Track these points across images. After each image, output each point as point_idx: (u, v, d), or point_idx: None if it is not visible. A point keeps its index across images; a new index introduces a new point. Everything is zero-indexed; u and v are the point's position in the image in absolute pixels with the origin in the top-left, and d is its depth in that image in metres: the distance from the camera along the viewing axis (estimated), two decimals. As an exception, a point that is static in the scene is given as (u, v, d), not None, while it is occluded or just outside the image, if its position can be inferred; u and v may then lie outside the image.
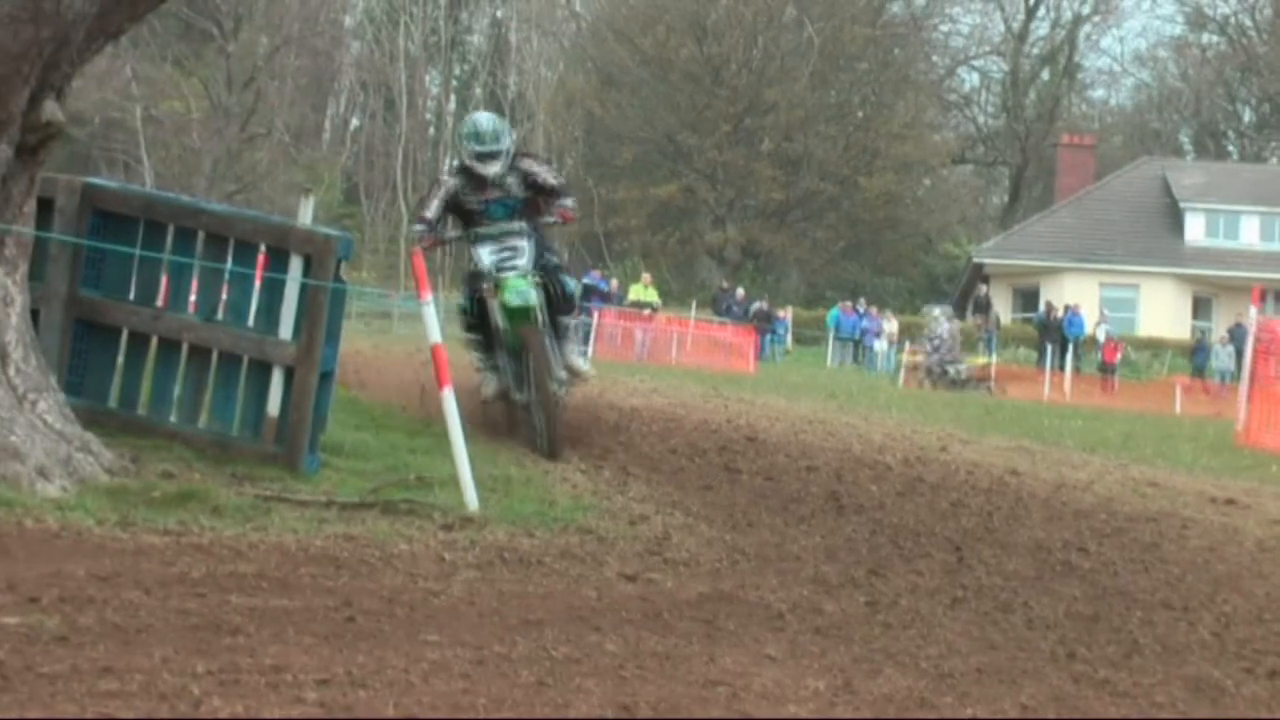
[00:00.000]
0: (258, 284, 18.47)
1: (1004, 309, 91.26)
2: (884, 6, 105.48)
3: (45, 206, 18.11)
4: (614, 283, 72.08)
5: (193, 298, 18.75)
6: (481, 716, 9.81)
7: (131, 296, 18.77)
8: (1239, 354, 53.89)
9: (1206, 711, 11.87)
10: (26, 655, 10.11)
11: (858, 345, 78.23)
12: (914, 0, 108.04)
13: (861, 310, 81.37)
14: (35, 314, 17.59)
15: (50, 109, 17.22)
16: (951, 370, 68.44)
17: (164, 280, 18.78)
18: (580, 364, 20.56)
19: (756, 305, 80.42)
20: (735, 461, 21.61)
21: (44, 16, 16.58)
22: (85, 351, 18.63)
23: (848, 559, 16.16)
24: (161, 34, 55.30)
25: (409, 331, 24.79)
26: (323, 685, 10.07)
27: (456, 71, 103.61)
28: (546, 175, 20.51)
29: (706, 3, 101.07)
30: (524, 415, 19.58)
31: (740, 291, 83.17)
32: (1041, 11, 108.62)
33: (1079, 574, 16.50)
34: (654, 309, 69.83)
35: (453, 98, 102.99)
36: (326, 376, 18.24)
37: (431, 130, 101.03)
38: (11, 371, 16.66)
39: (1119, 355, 75.35)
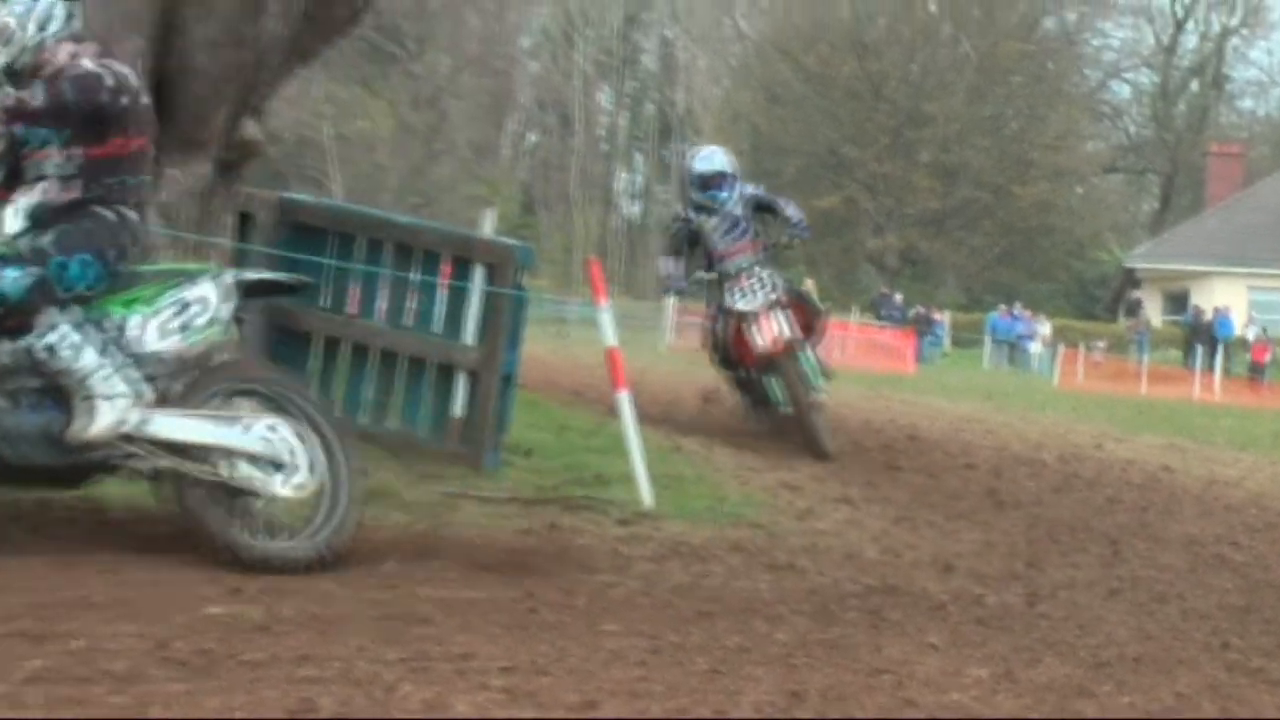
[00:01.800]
0: (443, 292, 18.53)
1: (1154, 312, 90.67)
2: (1038, 22, 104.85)
3: (245, 219, 18.26)
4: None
5: (381, 305, 18.83)
6: (658, 703, 9.83)
7: (324, 304, 18.88)
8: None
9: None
10: (231, 643, 10.19)
11: (1013, 347, 77.83)
12: (1067, 16, 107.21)
13: (1017, 314, 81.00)
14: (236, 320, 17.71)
15: (249, 128, 17.38)
16: None
17: (354, 289, 18.87)
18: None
19: (915, 309, 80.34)
20: (897, 459, 21.59)
21: (243, 41, 16.74)
22: (281, 356, 18.71)
23: (1006, 552, 16.12)
24: (350, 57, 55.67)
25: (585, 336, 24.70)
26: (507, 672, 10.10)
27: (628, 89, 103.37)
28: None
29: (867, 21, 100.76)
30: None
31: (899, 296, 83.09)
32: (1190, 25, 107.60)
33: (1231, 567, 16.44)
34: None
35: (624, 114, 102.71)
36: (508, 379, 18.31)
37: (604, 145, 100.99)
38: (213, 375, 16.80)
39: (1268, 356, 74.79)
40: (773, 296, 19.30)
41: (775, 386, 19.08)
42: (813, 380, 19.39)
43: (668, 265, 20.45)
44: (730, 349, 19.46)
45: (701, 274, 20.60)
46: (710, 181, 19.65)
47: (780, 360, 18.80)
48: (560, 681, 10.09)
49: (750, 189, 20.03)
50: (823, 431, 18.89)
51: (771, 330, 19.17)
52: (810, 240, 19.28)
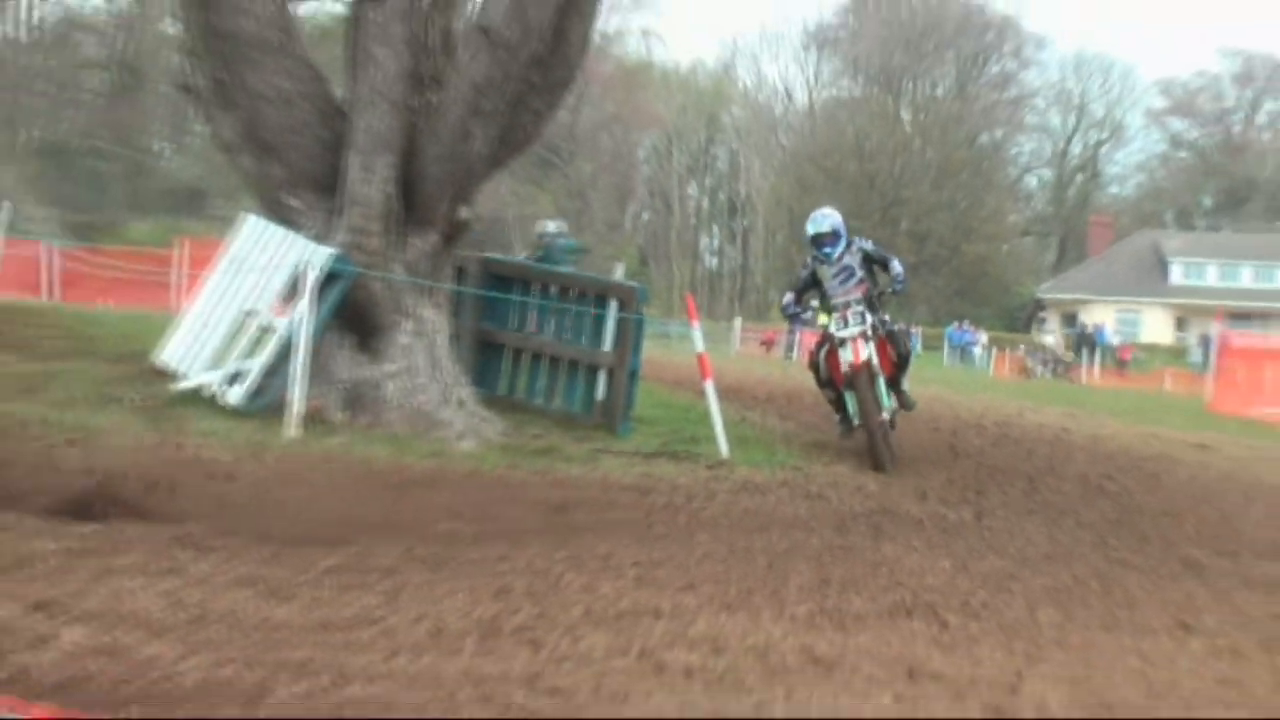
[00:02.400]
0: (590, 318, 18.55)
1: (1055, 327, 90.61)
2: (976, 138, 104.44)
3: (460, 271, 18.32)
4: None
5: (550, 326, 18.91)
6: (734, 586, 9.84)
7: (513, 326, 18.96)
8: (1206, 354, 53.17)
9: (1192, 578, 11.78)
10: (454, 550, 10.23)
11: (963, 351, 77.72)
12: (995, 133, 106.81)
13: (965, 328, 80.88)
14: (455, 338, 17.79)
15: (462, 212, 17.40)
16: (1060, 367, 69.86)
17: (532, 316, 18.98)
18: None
19: (899, 326, 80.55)
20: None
21: (458, 157, 16.80)
22: (485, 361, 18.83)
23: (961, 486, 16.09)
24: (526, 164, 55.85)
25: (682, 346, 24.72)
26: (635, 566, 10.11)
27: (707, 182, 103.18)
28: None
29: (864, 137, 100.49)
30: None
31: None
32: (1076, 139, 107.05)
33: (1108, 494, 16.38)
34: (833, 330, 70.01)
35: (706, 199, 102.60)
36: (633, 374, 18.33)
37: (692, 220, 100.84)
38: (442, 374, 16.86)
39: (1130, 355, 74.65)
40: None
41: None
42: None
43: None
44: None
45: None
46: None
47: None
48: (670, 572, 10.10)
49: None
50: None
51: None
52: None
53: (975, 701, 7.82)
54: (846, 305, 17.81)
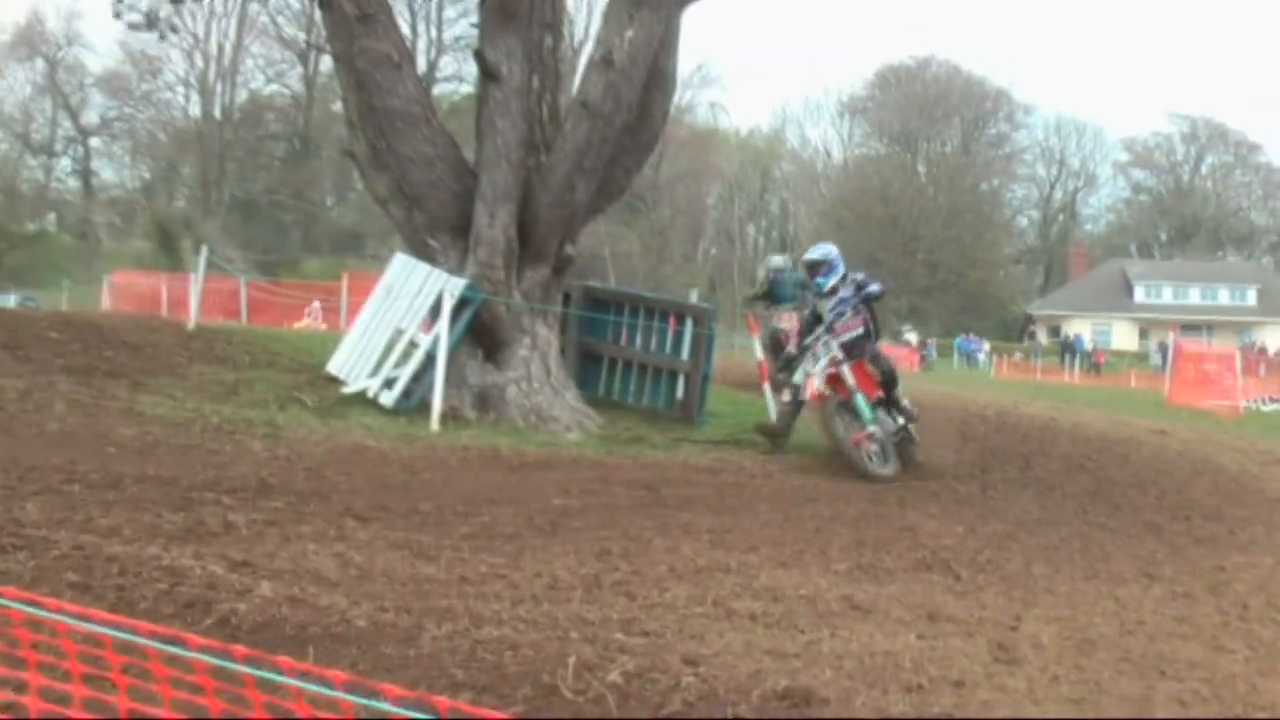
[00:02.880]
0: (671, 332, 18.49)
1: (1043, 337, 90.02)
2: (977, 185, 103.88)
3: (566, 297, 18.31)
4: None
5: (639, 340, 18.83)
6: (789, 547, 9.81)
7: (610, 340, 18.90)
8: (1164, 358, 52.78)
9: (1153, 538, 11.71)
10: (565, 519, 10.23)
11: (969, 357, 77.23)
12: (993, 182, 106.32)
13: (971, 338, 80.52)
14: (563, 351, 17.78)
15: (568, 249, 17.44)
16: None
17: (625, 332, 18.89)
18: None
19: (917, 336, 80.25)
20: (909, 417, 21.48)
21: (565, 204, 16.85)
22: (586, 368, 18.76)
23: (969, 464, 15.96)
24: (618, 209, 56.01)
25: (746, 356, 24.71)
26: (709, 532, 10.10)
27: (763, 224, 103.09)
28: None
29: (887, 186, 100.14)
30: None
31: (908, 331, 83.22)
32: (1058, 186, 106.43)
33: (1088, 470, 16.21)
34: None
35: (762, 238, 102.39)
36: (706, 378, 18.25)
37: (752, 254, 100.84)
38: (553, 379, 16.89)
39: (1103, 359, 73.96)
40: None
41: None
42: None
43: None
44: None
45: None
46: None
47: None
48: (737, 536, 10.08)
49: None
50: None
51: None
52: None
53: (983, 638, 7.77)
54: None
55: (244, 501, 9.66)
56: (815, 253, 15.98)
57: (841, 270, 15.84)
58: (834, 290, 15.64)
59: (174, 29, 21.62)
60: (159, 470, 10.49)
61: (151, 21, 19.43)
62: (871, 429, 14.88)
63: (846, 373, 15.08)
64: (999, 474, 15.47)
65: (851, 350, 15.33)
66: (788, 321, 19.14)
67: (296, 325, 37.14)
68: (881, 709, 5.18)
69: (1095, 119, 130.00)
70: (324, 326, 37.07)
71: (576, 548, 9.24)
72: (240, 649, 3.08)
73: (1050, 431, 20.40)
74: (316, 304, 42.31)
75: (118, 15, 19.32)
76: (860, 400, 15.00)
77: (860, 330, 15.49)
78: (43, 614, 3.33)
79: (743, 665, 6.53)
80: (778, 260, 22.72)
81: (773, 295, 22.18)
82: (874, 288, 15.70)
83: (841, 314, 15.42)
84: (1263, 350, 69.99)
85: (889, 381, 15.58)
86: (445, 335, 15.90)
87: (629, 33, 16.78)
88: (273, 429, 13.60)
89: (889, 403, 15.54)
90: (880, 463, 14.83)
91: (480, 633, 5.94)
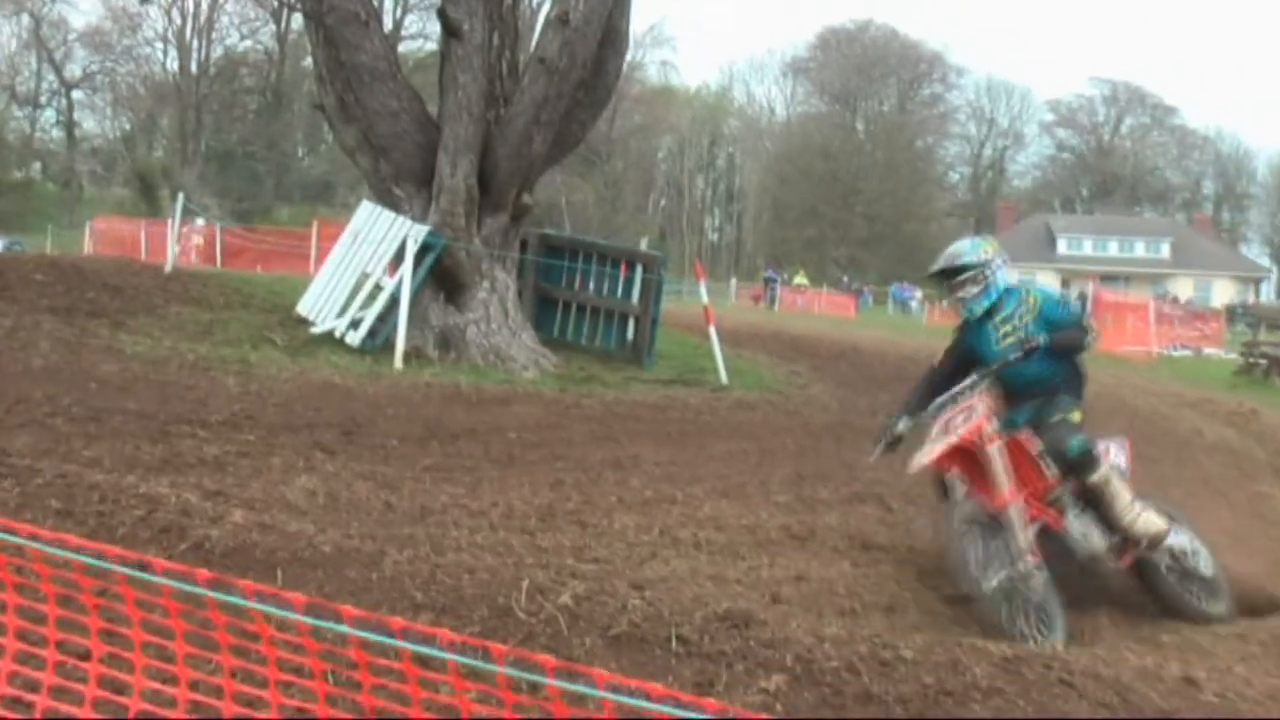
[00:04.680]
0: (623, 277, 18.42)
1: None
2: (912, 143, 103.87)
3: (523, 244, 18.19)
4: (784, 275, 71.26)
5: (592, 285, 18.74)
6: (735, 477, 9.82)
7: (564, 285, 18.82)
8: (1084, 306, 53.11)
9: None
10: (518, 453, 10.23)
11: (904, 304, 77.38)
12: (927, 139, 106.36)
13: (905, 286, 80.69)
14: (520, 294, 17.72)
15: (525, 199, 17.36)
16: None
17: (579, 277, 18.80)
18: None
19: (856, 285, 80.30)
20: (845, 357, 21.46)
21: (522, 155, 16.76)
22: (542, 311, 18.68)
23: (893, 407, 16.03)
24: (573, 161, 55.57)
25: (691, 301, 24.64)
26: (657, 465, 10.14)
27: (710, 177, 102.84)
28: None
29: (828, 143, 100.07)
30: None
31: (846, 279, 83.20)
32: (987, 144, 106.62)
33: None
34: (805, 287, 69.49)
35: (709, 190, 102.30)
36: (655, 321, 18.20)
37: (700, 205, 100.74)
38: (511, 321, 16.84)
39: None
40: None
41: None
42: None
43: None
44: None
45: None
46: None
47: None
48: (683, 469, 10.11)
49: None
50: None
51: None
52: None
53: (911, 567, 7.81)
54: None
55: (218, 434, 9.63)
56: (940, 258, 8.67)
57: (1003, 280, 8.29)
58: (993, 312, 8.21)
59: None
60: (138, 405, 10.43)
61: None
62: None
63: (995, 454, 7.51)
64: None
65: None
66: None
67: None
68: (816, 630, 5.19)
69: (1023, 82, 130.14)
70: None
71: (532, 479, 9.25)
72: (204, 573, 3.05)
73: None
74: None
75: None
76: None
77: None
78: (18, 540, 3.29)
79: (686, 589, 6.55)
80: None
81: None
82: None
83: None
84: (1175, 300, 70.36)
85: (1078, 469, 7.72)
86: (409, 279, 15.83)
87: (586, -8, 16.72)
88: (245, 366, 13.53)
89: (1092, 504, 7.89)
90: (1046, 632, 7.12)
91: (440, 558, 5.94)
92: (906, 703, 4.42)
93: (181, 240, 23.79)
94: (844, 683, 4.56)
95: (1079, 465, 7.56)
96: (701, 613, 5.16)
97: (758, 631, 4.99)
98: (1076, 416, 7.84)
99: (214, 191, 72.79)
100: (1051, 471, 7.56)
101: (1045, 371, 7.87)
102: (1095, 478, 7.59)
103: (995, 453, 7.34)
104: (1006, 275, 8.24)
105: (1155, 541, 7.66)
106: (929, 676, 4.62)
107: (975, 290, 8.12)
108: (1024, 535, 7.17)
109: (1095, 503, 7.66)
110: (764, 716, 2.51)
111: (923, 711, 4.37)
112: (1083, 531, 7.66)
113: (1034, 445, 7.63)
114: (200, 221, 43.28)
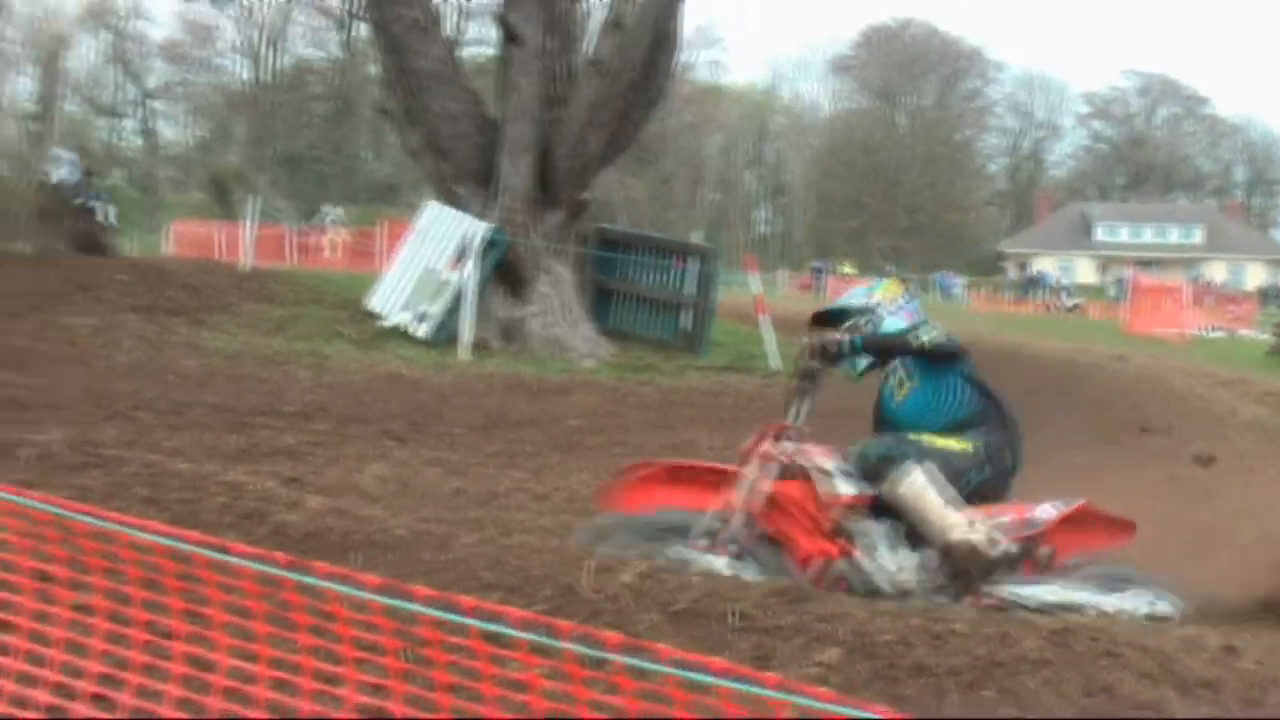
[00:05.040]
0: (678, 269, 18.40)
1: (1014, 274, 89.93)
2: (952, 136, 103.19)
3: (581, 239, 18.19)
4: (831, 265, 71.01)
5: (648, 277, 18.72)
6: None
7: (620, 276, 18.80)
8: (1121, 291, 52.77)
9: (1105, 446, 11.60)
10: (578, 438, 10.22)
11: (947, 291, 76.98)
12: (966, 132, 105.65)
13: (949, 275, 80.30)
14: (579, 286, 17.74)
15: (583, 195, 17.40)
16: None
17: (636, 269, 18.78)
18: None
19: (901, 275, 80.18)
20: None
21: (579, 156, 16.82)
22: (601, 302, 18.66)
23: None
24: (627, 160, 55.64)
25: (743, 291, 24.57)
26: (712, 449, 10.08)
27: (758, 172, 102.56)
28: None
29: (870, 137, 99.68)
30: None
31: (891, 268, 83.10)
32: (1025, 135, 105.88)
33: (1053, 393, 16.16)
34: (852, 275, 69.25)
35: (758, 184, 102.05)
36: (709, 311, 18.18)
37: (748, 199, 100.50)
38: (570, 312, 16.88)
39: (1066, 293, 73.82)
40: None
41: None
42: None
43: None
44: None
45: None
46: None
47: None
48: (734, 452, 10.08)
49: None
50: None
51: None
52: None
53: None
54: None
55: (293, 425, 9.68)
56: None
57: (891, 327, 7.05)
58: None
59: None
60: (217, 397, 10.50)
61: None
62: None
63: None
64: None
65: None
66: None
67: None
68: (869, 604, 5.16)
69: (1059, 75, 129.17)
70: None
71: (592, 464, 9.23)
72: (282, 556, 3.06)
73: (1019, 357, 20.33)
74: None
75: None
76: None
77: None
78: (107, 525, 3.31)
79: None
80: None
81: None
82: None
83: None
84: (1209, 283, 69.73)
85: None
86: (473, 274, 15.88)
87: (637, -2, 16.80)
88: (318, 360, 13.62)
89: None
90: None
91: (507, 540, 5.93)
92: (959, 674, 4.38)
93: (256, 241, 23.92)
94: (897, 655, 4.52)
95: (875, 473, 6.31)
96: (759, 589, 5.13)
97: (814, 606, 4.97)
98: (939, 443, 6.52)
99: (284, 194, 73.24)
100: (845, 492, 6.30)
101: (923, 405, 6.78)
102: (897, 490, 6.27)
103: (753, 469, 6.27)
104: (898, 321, 6.94)
105: (978, 558, 6.19)
106: (980, 649, 4.57)
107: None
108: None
109: (906, 519, 6.29)
110: (827, 692, 2.51)
111: (975, 683, 4.33)
112: (882, 564, 6.21)
113: (828, 459, 6.39)
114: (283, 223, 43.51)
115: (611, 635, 2.77)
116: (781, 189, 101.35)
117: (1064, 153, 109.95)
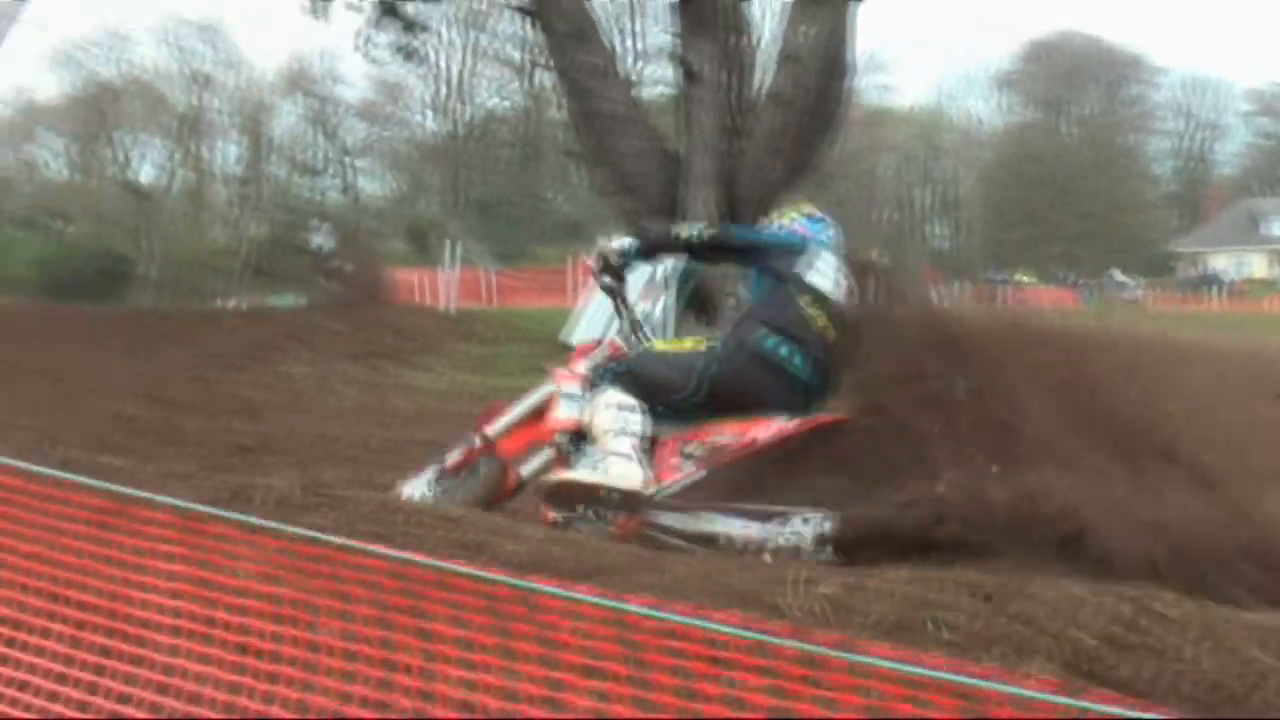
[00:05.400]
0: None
1: (1185, 272, 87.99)
2: (1115, 140, 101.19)
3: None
4: (1007, 275, 69.57)
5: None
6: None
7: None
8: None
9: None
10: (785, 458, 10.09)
11: (1119, 288, 74.96)
12: (1131, 137, 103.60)
13: (1121, 276, 78.19)
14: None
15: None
16: None
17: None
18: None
19: (1072, 279, 78.28)
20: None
21: (761, 185, 16.95)
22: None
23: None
24: (804, 183, 55.31)
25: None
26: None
27: (933, 189, 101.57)
28: None
29: (1040, 147, 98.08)
30: None
31: (1070, 275, 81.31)
32: (1191, 137, 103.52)
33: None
34: (1028, 285, 67.61)
35: (931, 201, 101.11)
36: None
37: (921, 215, 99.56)
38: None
39: (1242, 288, 71.66)
40: None
41: None
42: None
43: None
44: None
45: None
46: None
47: None
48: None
49: None
50: None
51: None
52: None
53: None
54: None
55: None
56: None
57: None
58: None
59: (412, 56, 22.21)
60: (429, 434, 10.64)
61: (407, 53, 20.17)
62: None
63: None
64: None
65: None
66: None
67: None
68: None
69: (1221, 74, 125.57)
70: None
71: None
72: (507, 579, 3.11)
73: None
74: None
75: (358, 49, 20.22)
76: None
77: None
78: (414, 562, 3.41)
79: (948, 575, 6.35)
80: None
81: None
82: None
83: None
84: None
85: None
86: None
87: (809, 29, 16.84)
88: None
89: None
90: None
91: (714, 563, 5.89)
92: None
93: (459, 284, 24.37)
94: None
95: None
96: (963, 596, 5.00)
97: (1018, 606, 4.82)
98: (663, 346, 6.67)
99: (478, 238, 74.56)
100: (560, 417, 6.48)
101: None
102: (594, 416, 6.25)
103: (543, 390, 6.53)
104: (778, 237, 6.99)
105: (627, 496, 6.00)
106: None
107: None
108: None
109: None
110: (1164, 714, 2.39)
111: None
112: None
113: (573, 383, 6.60)
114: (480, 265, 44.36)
115: (828, 636, 2.73)
116: (955, 203, 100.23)
117: (1229, 151, 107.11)
